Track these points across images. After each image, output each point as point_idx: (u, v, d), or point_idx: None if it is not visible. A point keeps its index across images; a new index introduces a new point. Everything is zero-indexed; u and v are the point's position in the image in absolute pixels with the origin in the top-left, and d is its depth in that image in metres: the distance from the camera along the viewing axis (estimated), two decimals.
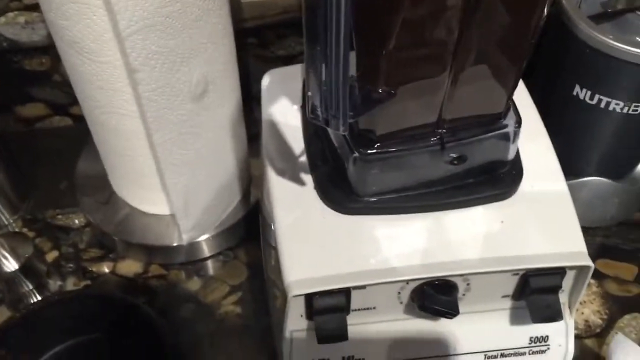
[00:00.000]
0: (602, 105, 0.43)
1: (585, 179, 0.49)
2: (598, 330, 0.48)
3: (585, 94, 0.43)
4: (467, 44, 0.29)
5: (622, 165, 0.49)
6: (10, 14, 0.54)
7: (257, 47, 0.61)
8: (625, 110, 0.43)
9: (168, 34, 0.37)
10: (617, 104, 0.43)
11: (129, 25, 0.35)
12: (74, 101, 0.46)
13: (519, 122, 0.35)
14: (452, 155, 0.35)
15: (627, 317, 0.48)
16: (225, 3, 0.42)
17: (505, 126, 0.35)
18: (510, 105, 0.35)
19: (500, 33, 0.30)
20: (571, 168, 0.44)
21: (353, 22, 0.27)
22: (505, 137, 0.35)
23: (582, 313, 0.48)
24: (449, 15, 0.28)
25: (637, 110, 0.43)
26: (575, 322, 0.48)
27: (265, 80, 0.44)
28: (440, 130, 0.34)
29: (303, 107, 0.41)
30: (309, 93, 0.31)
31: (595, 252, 0.52)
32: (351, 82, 0.30)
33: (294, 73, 0.44)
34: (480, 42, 0.30)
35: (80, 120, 0.48)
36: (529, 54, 0.32)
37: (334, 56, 0.28)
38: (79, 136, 0.54)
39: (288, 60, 0.63)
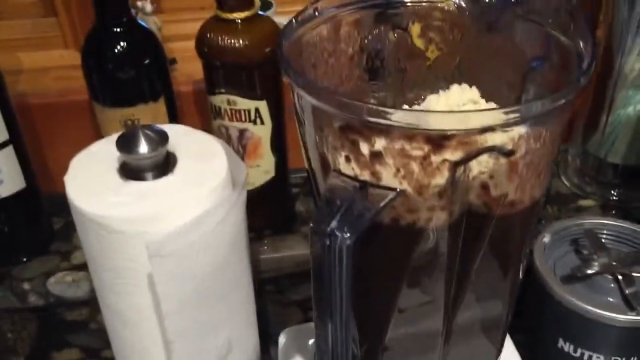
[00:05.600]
0: (586, 357, 0.48)
1: None
2: None
3: (569, 347, 0.49)
4: (453, 327, 0.36)
5: None
6: (60, 274, 0.62)
7: (274, 294, 0.67)
8: None
9: (201, 311, 0.44)
10: (598, 357, 0.47)
11: (169, 307, 0.42)
12: (107, 345, 0.51)
13: None
14: None
15: None
16: (250, 281, 0.49)
17: None
18: None
19: (484, 301, 0.36)
20: None
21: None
22: None
23: None
24: (435, 308, 0.34)
25: None
26: None
27: (282, 339, 0.50)
28: None
29: None
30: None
31: None
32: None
33: (307, 331, 0.50)
34: (468, 315, 0.37)
35: None
36: (512, 310, 0.38)
37: (337, 322, 0.33)
38: None
39: (302, 303, 0.69)
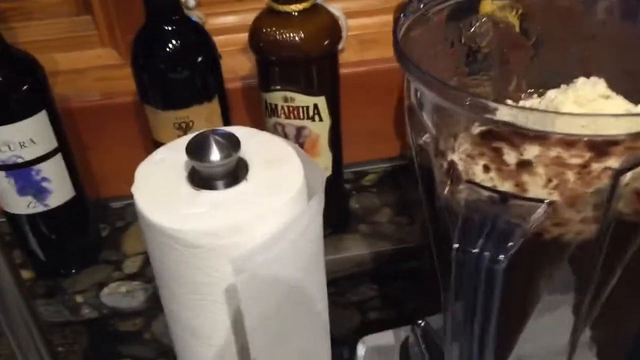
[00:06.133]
0: None
1: None
2: None
3: None
4: (578, 345, 0.33)
5: None
6: (113, 285, 0.60)
7: (333, 295, 0.65)
8: None
9: (283, 324, 0.41)
10: None
11: (253, 323, 0.40)
12: (160, 354, 0.49)
13: None
14: None
15: None
16: (326, 289, 0.46)
17: None
18: None
19: (616, 318, 0.33)
20: None
21: None
22: None
23: None
24: (564, 323, 0.32)
25: None
26: None
27: (361, 350, 0.47)
28: None
29: None
30: None
31: None
32: None
33: (386, 340, 0.48)
34: None
35: None
36: None
37: (475, 343, 0.31)
38: None
39: (361, 304, 0.67)
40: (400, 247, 0.63)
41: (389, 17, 0.75)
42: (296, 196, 0.41)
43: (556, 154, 0.23)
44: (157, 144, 0.56)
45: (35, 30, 0.69)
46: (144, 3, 0.50)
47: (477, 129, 0.24)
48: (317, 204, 0.41)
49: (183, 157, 0.42)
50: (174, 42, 0.51)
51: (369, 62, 0.68)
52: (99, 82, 0.66)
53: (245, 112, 0.66)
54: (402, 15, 0.30)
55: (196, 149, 0.41)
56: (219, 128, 0.43)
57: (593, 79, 0.30)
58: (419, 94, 0.27)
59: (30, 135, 0.51)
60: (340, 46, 0.69)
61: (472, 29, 0.33)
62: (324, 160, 0.59)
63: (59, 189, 0.55)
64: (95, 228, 0.64)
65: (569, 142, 0.22)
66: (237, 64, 0.68)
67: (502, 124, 0.22)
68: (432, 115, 0.27)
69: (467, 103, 0.24)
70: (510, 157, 0.23)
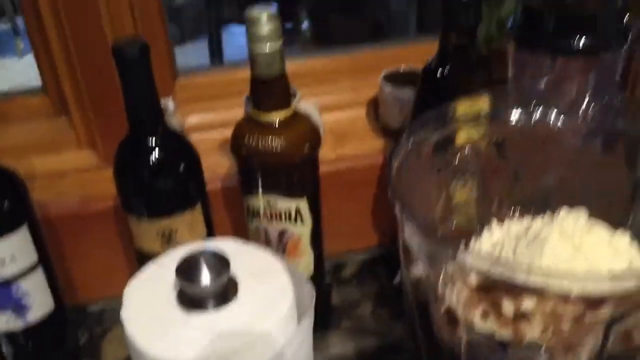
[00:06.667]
0: None
1: None
2: None
3: None
4: None
5: None
6: None
7: None
8: None
9: None
10: None
11: None
12: None
13: None
14: None
15: None
16: None
17: None
18: None
19: None
20: None
21: None
22: None
23: None
24: None
25: None
26: None
27: None
28: None
29: None
30: None
31: None
32: None
33: None
34: None
35: None
36: None
37: None
38: None
39: None
40: (384, 343, 0.63)
41: (362, 111, 0.77)
42: (287, 315, 0.41)
43: (552, 306, 0.24)
44: (140, 252, 0.56)
45: (12, 135, 0.69)
46: (127, 115, 0.51)
47: (474, 280, 0.25)
48: (308, 324, 0.42)
49: (171, 275, 0.42)
50: (156, 153, 0.51)
51: (346, 159, 0.69)
52: (77, 185, 0.66)
53: (226, 214, 0.66)
54: (392, 156, 0.31)
55: (186, 271, 0.41)
56: (208, 246, 0.44)
57: (575, 210, 0.32)
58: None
59: (11, 252, 0.50)
60: None
61: (457, 157, 0.35)
62: (306, 260, 0.60)
63: (38, 303, 0.54)
64: (74, 337, 0.62)
65: (564, 296, 0.23)
66: (216, 162, 0.69)
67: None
68: (427, 259, 0.28)
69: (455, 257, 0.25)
70: (508, 307, 0.24)
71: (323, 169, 0.61)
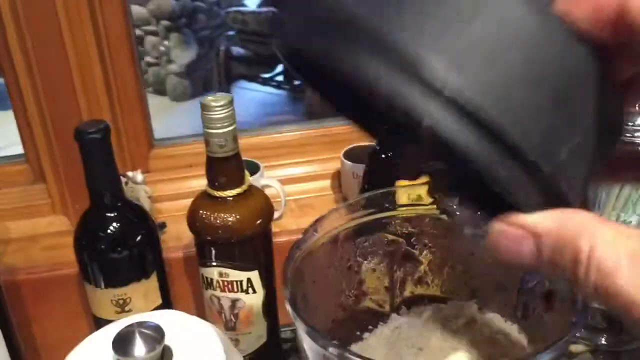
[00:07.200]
0: None
1: None
2: None
3: None
4: None
5: None
6: None
7: None
8: None
9: None
10: None
11: None
12: None
13: None
14: None
15: None
16: None
17: None
18: None
19: None
20: None
21: None
22: None
23: None
24: None
25: None
26: None
27: None
28: None
29: None
30: None
31: None
32: None
33: None
34: None
35: None
36: None
37: None
38: None
39: None
40: None
41: (327, 182, 0.81)
42: None
43: None
44: (96, 319, 0.59)
45: None
46: (88, 190, 0.55)
47: None
48: None
49: (109, 348, 0.44)
50: (113, 226, 0.55)
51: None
52: (48, 250, 0.69)
53: (186, 282, 0.69)
54: (294, 247, 0.34)
55: (122, 344, 0.44)
56: (147, 320, 0.46)
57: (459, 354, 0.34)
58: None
59: None
60: (278, 214, 0.74)
61: (365, 245, 0.38)
62: (258, 329, 0.62)
63: None
64: None
65: None
66: (182, 230, 0.72)
67: None
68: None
69: None
70: None
71: (284, 238, 0.64)
